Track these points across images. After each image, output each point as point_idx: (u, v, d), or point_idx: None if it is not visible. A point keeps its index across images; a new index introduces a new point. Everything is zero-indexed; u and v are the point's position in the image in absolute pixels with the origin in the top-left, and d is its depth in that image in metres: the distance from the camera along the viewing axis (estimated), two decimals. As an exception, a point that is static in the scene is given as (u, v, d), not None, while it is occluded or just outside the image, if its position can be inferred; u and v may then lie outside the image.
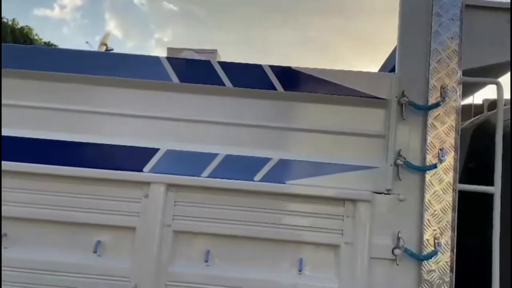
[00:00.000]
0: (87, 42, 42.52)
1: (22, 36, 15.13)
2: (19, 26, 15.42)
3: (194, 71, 2.71)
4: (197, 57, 3.70)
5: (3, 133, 2.68)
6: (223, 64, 2.71)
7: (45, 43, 16.36)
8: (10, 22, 15.37)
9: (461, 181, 2.69)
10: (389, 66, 3.02)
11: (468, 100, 3.64)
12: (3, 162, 2.64)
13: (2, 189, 2.64)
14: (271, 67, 2.67)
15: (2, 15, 14.40)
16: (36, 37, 16.04)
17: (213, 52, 4.25)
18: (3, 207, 2.64)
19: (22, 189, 2.65)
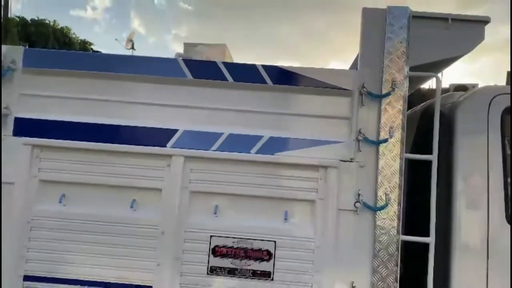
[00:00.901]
0: (116, 39, 41.94)
1: (62, 36, 15.07)
2: (59, 27, 15.34)
3: (204, 69, 2.86)
4: (208, 51, 3.77)
5: (60, 119, 2.85)
6: (226, 64, 2.88)
7: (81, 40, 16.22)
8: (51, 23, 15.31)
9: (411, 152, 2.89)
10: (354, 65, 3.16)
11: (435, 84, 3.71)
12: (62, 141, 2.83)
13: (62, 161, 2.84)
14: (263, 66, 2.82)
15: (45, 17, 14.39)
16: (73, 36, 15.92)
17: (223, 46, 4.12)
18: (63, 174, 2.84)
19: (74, 161, 2.83)
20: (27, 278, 2.79)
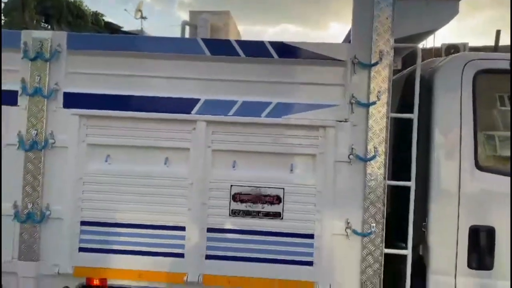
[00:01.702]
0: (125, 10, 41.45)
1: (76, 8, 15.14)
2: (72, 0, 15.32)
3: (220, 46, 3.17)
4: (213, 18, 3.97)
5: (102, 92, 3.16)
6: (239, 42, 3.19)
7: (93, 12, 16.23)
8: (65, -3, 15.25)
9: (398, 111, 3.24)
10: (348, 38, 3.38)
11: (429, 44, 3.98)
12: (105, 111, 3.17)
13: (105, 127, 3.18)
14: (270, 42, 3.12)
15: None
16: (86, 8, 15.94)
17: (227, 13, 4.22)
18: (107, 139, 3.20)
19: (116, 127, 3.17)
20: (83, 223, 3.25)
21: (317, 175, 3.09)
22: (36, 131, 3.18)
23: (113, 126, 3.18)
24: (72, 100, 3.25)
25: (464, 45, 3.98)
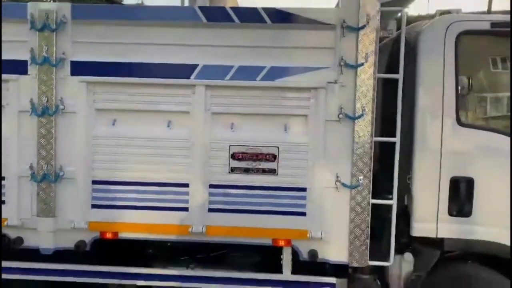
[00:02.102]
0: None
1: None
2: None
3: (216, 13, 3.28)
4: None
5: (107, 60, 3.28)
6: (233, 9, 3.29)
7: None
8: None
9: (386, 72, 3.40)
10: (337, 3, 3.45)
11: (423, 11, 4.00)
12: (110, 77, 3.27)
13: (112, 93, 3.31)
14: (263, 8, 3.22)
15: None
16: None
17: None
18: (113, 104, 3.34)
19: (122, 93, 3.31)
20: (94, 182, 3.44)
21: (309, 134, 3.23)
22: (46, 98, 3.32)
23: (119, 92, 3.31)
24: (79, 68, 3.38)
25: (457, 10, 4.07)
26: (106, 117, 3.34)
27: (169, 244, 3.62)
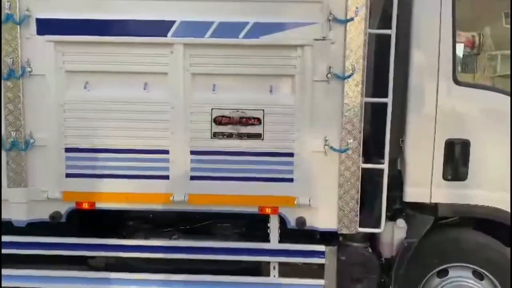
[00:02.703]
0: None
1: None
2: None
3: None
4: None
5: (77, 17, 3.17)
6: None
7: None
8: None
9: (378, 28, 3.31)
10: None
11: None
12: (81, 36, 3.18)
13: (83, 54, 3.21)
14: None
15: None
16: None
17: None
18: (85, 65, 3.25)
19: (93, 53, 3.21)
20: (67, 149, 3.36)
21: (296, 95, 3.21)
22: (11, 60, 3.19)
23: (90, 52, 3.22)
24: (46, 26, 3.24)
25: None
26: (77, 79, 3.26)
27: (151, 215, 3.62)
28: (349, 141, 3.19)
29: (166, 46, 3.16)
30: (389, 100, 3.18)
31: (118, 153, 3.33)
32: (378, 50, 3.33)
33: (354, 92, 3.17)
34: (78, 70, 3.26)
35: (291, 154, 3.27)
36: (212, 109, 3.24)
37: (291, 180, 3.30)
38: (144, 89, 3.23)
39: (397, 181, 3.39)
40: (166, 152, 3.31)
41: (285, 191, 3.31)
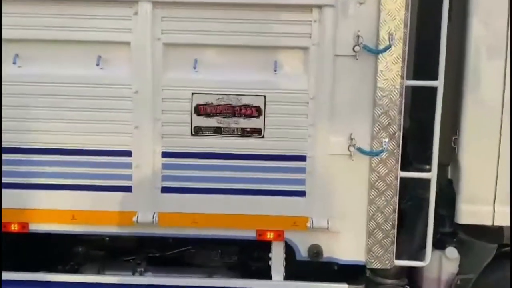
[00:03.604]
0: None
1: None
2: None
3: None
4: None
5: None
6: None
7: None
8: None
9: None
10: None
11: None
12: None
13: (13, 15, 2.78)
14: None
15: None
16: None
17: None
18: (15, 31, 2.80)
19: (27, 14, 2.80)
20: (5, 150, 2.92)
21: (310, 76, 2.83)
22: None
23: (21, 12, 2.80)
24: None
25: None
26: (4, 51, 2.84)
27: (107, 238, 3.27)
28: (383, 140, 2.81)
29: (128, 5, 2.78)
30: (439, 83, 2.80)
31: (60, 155, 2.95)
32: (424, 15, 3.00)
33: (391, 72, 2.76)
34: (6, 38, 2.82)
35: (302, 158, 2.92)
36: (192, 94, 2.84)
37: (302, 193, 2.95)
38: (97, 65, 2.83)
39: (448, 195, 3.09)
40: (128, 153, 2.93)
41: (293, 209, 2.96)
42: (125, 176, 2.95)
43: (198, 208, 2.96)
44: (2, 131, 2.92)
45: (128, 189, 2.96)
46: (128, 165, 2.93)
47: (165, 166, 2.94)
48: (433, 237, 2.99)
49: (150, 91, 2.86)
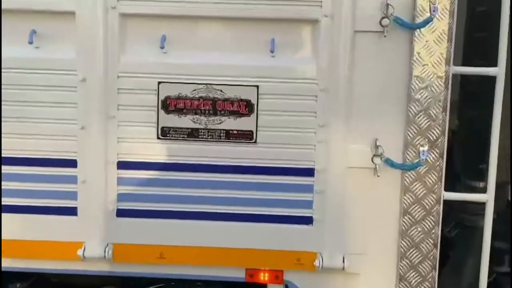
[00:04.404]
0: None
1: None
2: None
3: None
4: None
5: None
6: None
7: None
8: None
9: None
10: None
11: None
12: None
13: None
14: None
15: None
16: None
17: None
18: None
19: None
20: None
21: (321, 59, 2.51)
22: None
23: None
24: None
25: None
26: None
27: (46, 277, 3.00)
28: (421, 148, 2.48)
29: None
30: (499, 71, 2.48)
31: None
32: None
33: (433, 55, 2.42)
34: None
35: (308, 172, 2.59)
36: (159, 83, 2.52)
37: (308, 220, 2.61)
38: (31, 43, 2.53)
39: (508, 223, 2.82)
40: (71, 163, 2.60)
41: (296, 242, 2.64)
42: (67, 194, 2.62)
43: (166, 238, 2.64)
44: None
45: (71, 211, 2.63)
46: (72, 179, 2.60)
47: (121, 181, 2.62)
48: (488, 278, 2.74)
49: (101, 79, 2.54)
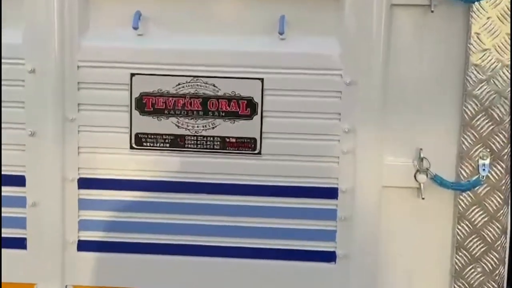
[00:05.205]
0: None
1: None
2: None
3: None
4: None
5: None
6: None
7: None
8: None
9: None
10: None
11: None
12: None
13: None
14: None
15: None
16: None
17: None
18: None
19: None
20: None
21: (346, 42, 2.20)
22: None
23: None
24: None
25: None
26: None
27: None
28: (481, 161, 2.19)
29: None
30: None
31: None
32: None
33: (497, 37, 2.14)
34: None
35: (330, 192, 2.28)
36: (132, 75, 2.22)
37: (330, 256, 2.31)
38: None
39: None
40: (18, 180, 2.32)
41: (315, 285, 2.35)
42: (13, 221, 2.29)
43: (142, 279, 2.30)
44: None
45: (19, 243, 2.30)
46: (19, 202, 2.28)
47: (83, 204, 2.28)
48: None
49: (56, 70, 2.22)
